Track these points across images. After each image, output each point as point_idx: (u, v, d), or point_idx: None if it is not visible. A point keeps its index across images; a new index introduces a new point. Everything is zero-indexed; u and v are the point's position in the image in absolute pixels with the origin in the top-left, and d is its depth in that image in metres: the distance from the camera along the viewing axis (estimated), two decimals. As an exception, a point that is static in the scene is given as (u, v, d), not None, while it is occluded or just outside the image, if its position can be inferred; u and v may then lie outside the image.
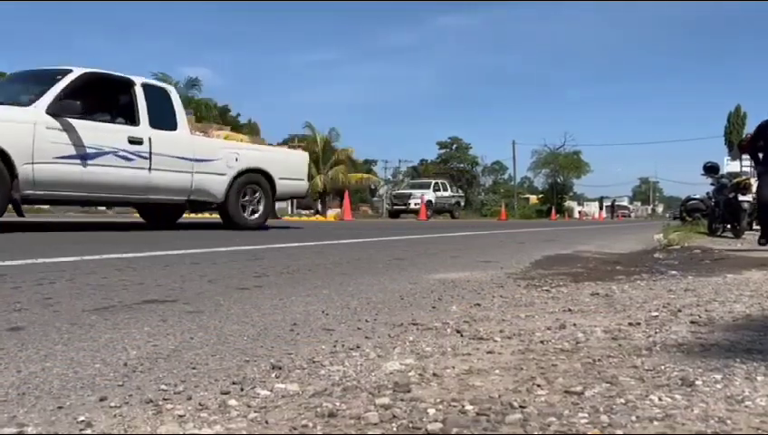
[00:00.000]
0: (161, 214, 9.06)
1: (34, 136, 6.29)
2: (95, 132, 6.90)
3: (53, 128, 6.48)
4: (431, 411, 1.24)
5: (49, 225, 9.45)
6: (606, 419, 1.18)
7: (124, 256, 4.32)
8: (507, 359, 1.69)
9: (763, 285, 3.30)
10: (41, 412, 1.23)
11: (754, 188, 10.68)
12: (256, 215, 8.95)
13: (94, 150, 6.85)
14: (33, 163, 6.31)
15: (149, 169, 7.43)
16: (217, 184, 8.29)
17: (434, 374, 1.52)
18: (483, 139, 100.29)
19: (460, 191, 39.49)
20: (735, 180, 10.19)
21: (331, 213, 25.71)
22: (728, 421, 1.17)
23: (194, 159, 7.97)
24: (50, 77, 6.88)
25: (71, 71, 6.95)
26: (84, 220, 12.26)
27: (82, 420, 1.19)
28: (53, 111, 6.51)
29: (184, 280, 3.18)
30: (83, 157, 6.75)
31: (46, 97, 6.53)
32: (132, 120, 7.44)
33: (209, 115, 30.80)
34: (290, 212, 29.52)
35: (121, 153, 7.15)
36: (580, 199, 79.04)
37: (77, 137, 6.69)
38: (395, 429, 1.16)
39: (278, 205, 19.09)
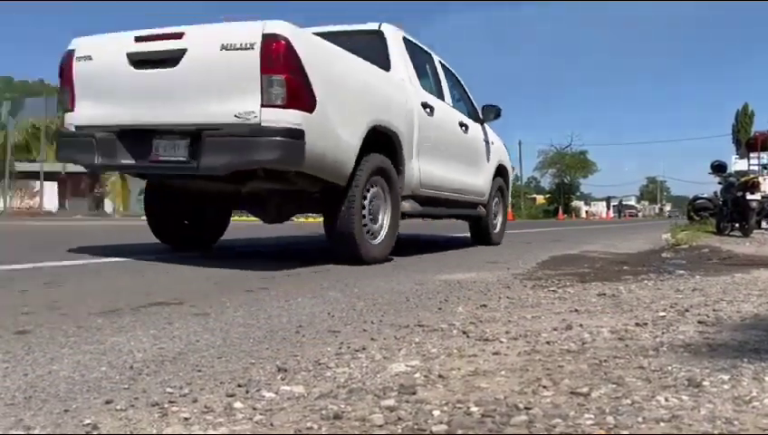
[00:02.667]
0: None
1: None
2: None
3: None
4: (436, 413, 1.24)
5: (56, 227, 9.51)
6: (612, 420, 1.18)
7: (130, 258, 4.34)
8: (513, 360, 1.69)
9: (771, 285, 3.28)
10: (47, 415, 1.23)
11: (763, 187, 10.63)
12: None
13: None
14: None
15: None
16: None
17: (439, 376, 1.52)
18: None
19: (466, 192, 39.23)
20: (743, 179, 10.12)
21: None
22: (735, 422, 1.16)
23: None
24: None
25: None
26: (91, 223, 12.32)
27: (89, 423, 1.19)
28: None
29: (190, 282, 3.19)
30: None
31: None
32: None
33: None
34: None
35: None
36: (587, 199, 78.75)
37: None
38: (400, 430, 1.16)
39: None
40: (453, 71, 6.60)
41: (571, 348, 1.81)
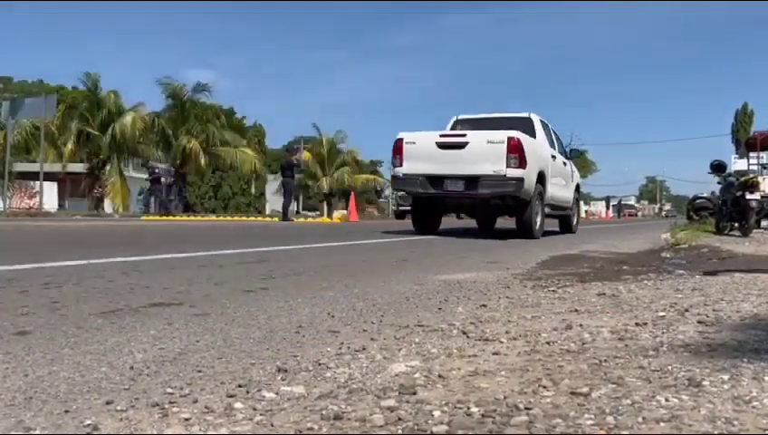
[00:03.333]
0: None
1: None
2: None
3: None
4: (436, 413, 1.24)
5: (56, 228, 9.50)
6: (612, 420, 1.18)
7: (130, 259, 4.34)
8: (513, 360, 1.69)
9: (771, 284, 3.27)
10: (48, 416, 1.23)
11: (762, 187, 10.62)
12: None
13: None
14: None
15: None
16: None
17: (439, 376, 1.52)
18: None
19: (466, 191, 39.27)
20: (743, 179, 10.11)
21: (337, 214, 25.72)
22: (735, 422, 1.16)
23: None
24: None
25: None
26: (91, 223, 12.30)
27: (89, 424, 1.19)
28: None
29: (190, 283, 3.19)
30: None
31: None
32: None
33: (215, 119, 30.90)
34: (296, 213, 29.57)
35: None
36: (587, 199, 78.72)
37: None
38: (400, 431, 1.16)
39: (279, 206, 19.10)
40: (556, 130, 11.02)
41: (571, 348, 1.81)
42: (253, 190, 35.49)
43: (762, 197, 10.00)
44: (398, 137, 8.76)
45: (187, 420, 1.22)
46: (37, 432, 1.15)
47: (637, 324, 2.16)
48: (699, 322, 2.19)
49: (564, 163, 10.77)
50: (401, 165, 8.70)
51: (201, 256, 4.85)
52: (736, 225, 9.85)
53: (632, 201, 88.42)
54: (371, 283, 3.40)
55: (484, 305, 2.68)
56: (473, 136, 8.45)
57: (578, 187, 12.18)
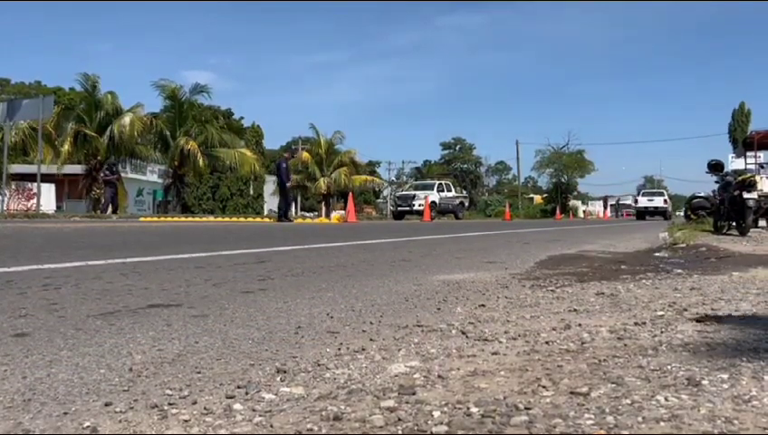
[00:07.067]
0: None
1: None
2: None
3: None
4: (436, 414, 1.24)
5: (54, 229, 9.48)
6: (612, 420, 1.18)
7: (129, 260, 4.33)
8: (512, 360, 1.69)
9: (769, 283, 3.28)
10: (46, 418, 1.23)
11: (760, 186, 10.63)
12: None
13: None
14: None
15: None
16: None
17: (439, 376, 1.52)
18: (486, 139, 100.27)
19: (464, 192, 39.38)
20: (740, 178, 10.11)
21: (335, 215, 25.73)
22: (735, 421, 1.16)
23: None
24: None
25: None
26: (89, 225, 12.28)
27: (88, 426, 1.19)
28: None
29: (188, 284, 3.18)
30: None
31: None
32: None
33: (213, 120, 30.90)
34: (294, 214, 29.57)
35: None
36: (585, 198, 78.82)
37: None
38: (400, 431, 1.16)
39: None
40: (665, 189, 53.48)
41: (571, 348, 1.82)
42: (251, 191, 35.48)
43: (759, 196, 10.01)
44: (636, 198, 39.13)
45: (186, 421, 1.22)
46: (36, 434, 1.15)
47: (635, 324, 2.16)
48: (698, 321, 2.19)
49: (670, 199, 35.84)
50: (637, 203, 36.95)
51: (199, 256, 4.84)
52: (734, 224, 9.86)
53: (630, 201, 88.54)
54: (370, 283, 3.40)
55: (483, 305, 2.69)
56: (655, 197, 36.82)
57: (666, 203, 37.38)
